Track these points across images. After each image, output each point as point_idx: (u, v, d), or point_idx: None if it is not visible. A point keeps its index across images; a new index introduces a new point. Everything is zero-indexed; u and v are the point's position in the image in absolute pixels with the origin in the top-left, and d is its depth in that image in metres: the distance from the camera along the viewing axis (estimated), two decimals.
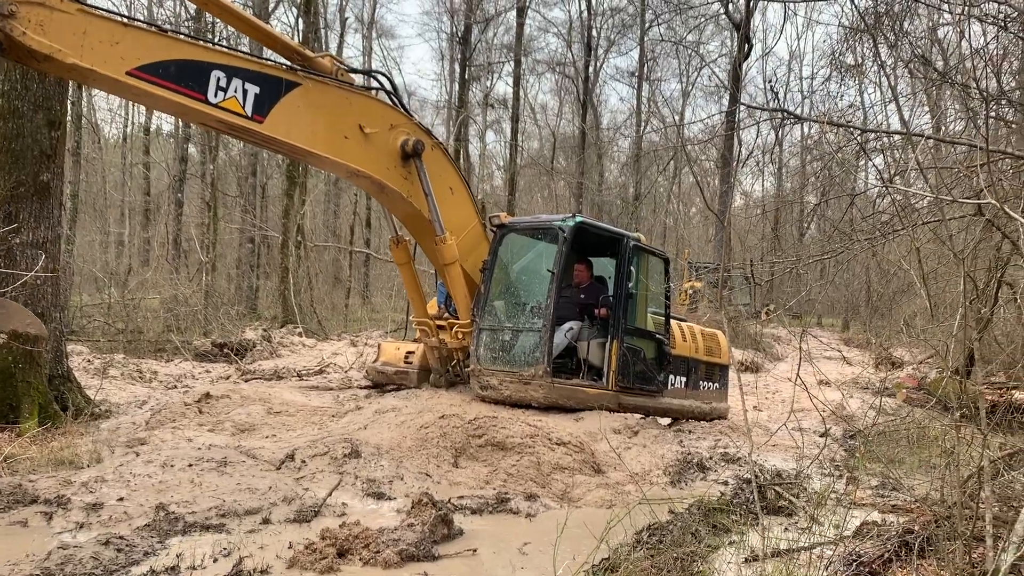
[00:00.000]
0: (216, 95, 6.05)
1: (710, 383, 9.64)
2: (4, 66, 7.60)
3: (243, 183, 26.02)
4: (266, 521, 4.89)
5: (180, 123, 25.54)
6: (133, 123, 36.42)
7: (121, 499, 5.08)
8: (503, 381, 7.69)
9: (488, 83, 37.93)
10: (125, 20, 5.70)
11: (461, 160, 30.04)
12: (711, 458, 7.27)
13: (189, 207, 28.53)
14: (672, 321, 9.30)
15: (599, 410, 7.88)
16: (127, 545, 4.38)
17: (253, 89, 6.27)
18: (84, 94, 26.31)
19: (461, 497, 5.63)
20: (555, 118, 43.30)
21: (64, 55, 5.25)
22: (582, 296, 8.70)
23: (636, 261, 8.49)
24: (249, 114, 6.27)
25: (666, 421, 9.12)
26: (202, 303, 16.72)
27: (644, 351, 8.54)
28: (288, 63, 6.84)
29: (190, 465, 5.72)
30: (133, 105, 34.34)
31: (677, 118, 38.88)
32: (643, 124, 38.02)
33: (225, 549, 4.36)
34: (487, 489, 5.90)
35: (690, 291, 27.91)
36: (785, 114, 7.82)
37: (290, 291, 17.32)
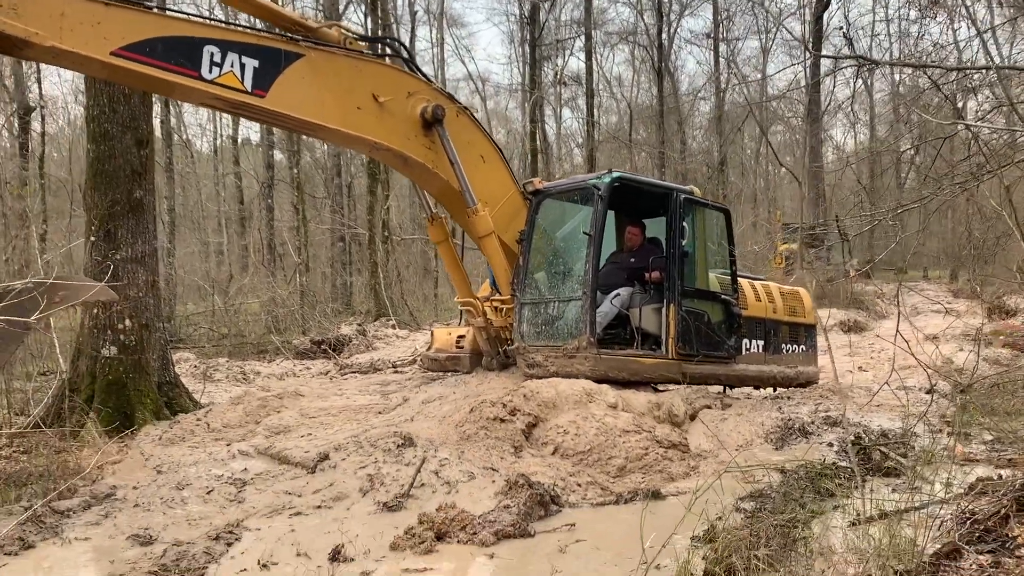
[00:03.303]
0: (211, 71, 5.79)
1: (794, 346, 8.98)
2: (93, 91, 7.98)
3: (329, 184, 26.69)
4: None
5: (265, 131, 26.33)
6: (221, 135, 37.79)
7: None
8: (548, 357, 7.23)
9: (560, 61, 37.65)
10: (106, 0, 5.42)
11: (537, 141, 29.94)
12: (813, 422, 7.06)
13: (280, 212, 29.45)
14: (745, 280, 8.69)
15: (661, 382, 7.44)
16: (235, 538, 4.57)
17: (251, 63, 5.99)
18: (172, 111, 27.45)
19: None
20: (632, 89, 42.66)
21: (42, 39, 5.08)
22: (632, 260, 8.16)
23: (691, 217, 7.90)
24: (249, 89, 6.00)
25: (762, 392, 8.85)
26: (298, 303, 17.29)
27: (708, 314, 7.93)
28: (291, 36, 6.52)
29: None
30: (220, 118, 35.65)
31: (759, 77, 37.68)
32: (723, 86, 37.03)
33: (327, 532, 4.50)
34: (564, 475, 5.59)
35: (785, 253, 27.09)
36: (863, 60, 7.40)
37: (380, 285, 17.69)
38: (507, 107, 44.63)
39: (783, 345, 8.78)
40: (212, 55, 5.77)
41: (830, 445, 6.36)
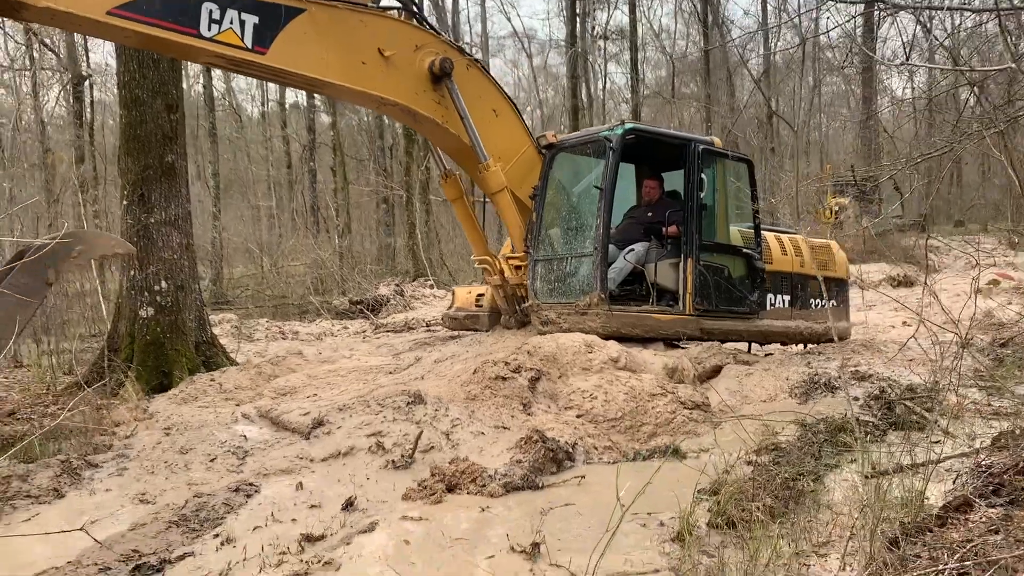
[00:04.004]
0: (210, 28, 5.70)
1: (824, 301, 8.63)
2: (123, 57, 8.12)
3: (372, 146, 26.82)
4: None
5: (308, 94, 26.48)
6: (269, 100, 38.17)
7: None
8: (561, 314, 7.16)
9: (605, 15, 36.92)
10: None
11: (580, 98, 29.55)
12: (840, 377, 6.94)
13: (323, 174, 29.71)
14: (770, 234, 8.45)
15: (679, 339, 7.29)
16: (254, 490, 4.72)
17: (251, 19, 5.89)
18: (218, 76, 27.72)
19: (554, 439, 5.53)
20: (678, 42, 41.69)
21: None
22: (649, 215, 8.00)
23: (711, 168, 7.69)
24: (250, 46, 5.91)
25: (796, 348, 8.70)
26: (338, 264, 17.54)
27: (729, 269, 7.76)
28: None
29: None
30: (266, 83, 35.92)
31: (812, 24, 36.46)
32: (773, 35, 35.92)
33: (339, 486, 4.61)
34: (583, 435, 5.52)
35: (835, 208, 26.42)
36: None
37: (419, 246, 17.84)
38: (546, 63, 44.02)
39: (811, 300, 8.53)
40: (211, 12, 5.70)
41: (855, 399, 6.25)
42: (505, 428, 5.37)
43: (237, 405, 6.65)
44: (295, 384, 7.08)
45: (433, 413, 5.37)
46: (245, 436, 5.57)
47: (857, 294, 9.52)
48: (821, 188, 28.07)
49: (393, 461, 4.86)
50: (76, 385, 7.49)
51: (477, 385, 5.90)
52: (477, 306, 8.58)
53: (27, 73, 24.45)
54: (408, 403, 5.50)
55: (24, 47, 23.98)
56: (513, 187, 7.58)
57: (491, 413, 5.55)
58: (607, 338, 6.72)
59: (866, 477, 4.26)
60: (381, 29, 6.77)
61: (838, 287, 8.92)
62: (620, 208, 8.26)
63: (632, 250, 7.64)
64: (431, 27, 7.35)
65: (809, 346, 8.62)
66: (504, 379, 5.87)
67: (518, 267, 7.77)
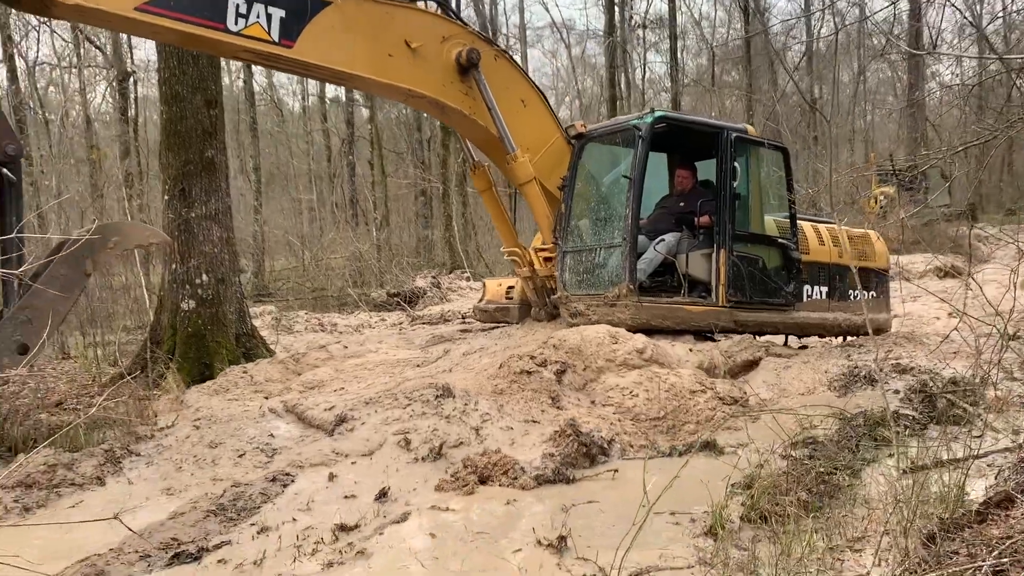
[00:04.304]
0: (236, 22, 5.73)
1: (863, 292, 8.52)
2: (163, 54, 8.27)
3: (410, 138, 26.97)
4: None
5: (346, 88, 26.66)
6: (309, 94, 38.51)
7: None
8: (590, 306, 7.09)
9: (643, 3, 36.59)
10: None
11: (618, 87, 29.33)
12: (881, 370, 6.82)
13: (362, 168, 29.93)
14: (807, 223, 8.30)
15: (712, 331, 7.16)
16: (290, 479, 4.80)
17: (278, 12, 5.91)
18: (258, 71, 28.02)
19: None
20: (718, 29, 41.13)
21: None
22: (682, 205, 7.87)
23: (744, 157, 7.54)
24: (276, 39, 5.94)
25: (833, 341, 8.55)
26: (376, 257, 17.69)
27: (763, 259, 7.63)
28: None
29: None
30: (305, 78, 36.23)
31: (856, 11, 35.72)
32: (816, 22, 35.25)
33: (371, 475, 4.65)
34: (619, 431, 5.47)
35: (880, 197, 25.88)
36: None
37: (455, 238, 17.92)
38: (584, 53, 43.74)
39: (850, 291, 8.36)
40: (238, 6, 5.73)
41: (896, 392, 6.14)
42: (535, 422, 5.35)
43: (266, 398, 6.74)
44: (322, 378, 7.11)
45: (463, 407, 5.36)
46: (272, 435, 5.62)
47: (900, 285, 9.30)
48: (866, 177, 27.53)
49: (422, 457, 4.87)
50: (120, 376, 7.67)
51: (504, 379, 5.88)
52: (507, 298, 8.55)
53: (74, 70, 25.00)
54: (437, 396, 5.50)
55: (71, 45, 24.51)
56: (542, 178, 7.54)
57: (520, 407, 5.52)
58: (636, 330, 6.64)
59: (903, 472, 4.19)
60: (408, 20, 6.77)
61: (878, 278, 8.73)
62: (652, 198, 8.18)
63: (663, 240, 7.54)
64: (458, 18, 7.33)
65: (849, 338, 8.48)
66: (529, 373, 5.83)
67: (548, 259, 7.74)
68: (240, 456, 5.20)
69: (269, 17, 5.88)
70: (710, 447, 5.09)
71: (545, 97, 7.92)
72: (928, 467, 4.06)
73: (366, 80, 6.70)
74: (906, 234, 18.01)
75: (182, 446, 5.41)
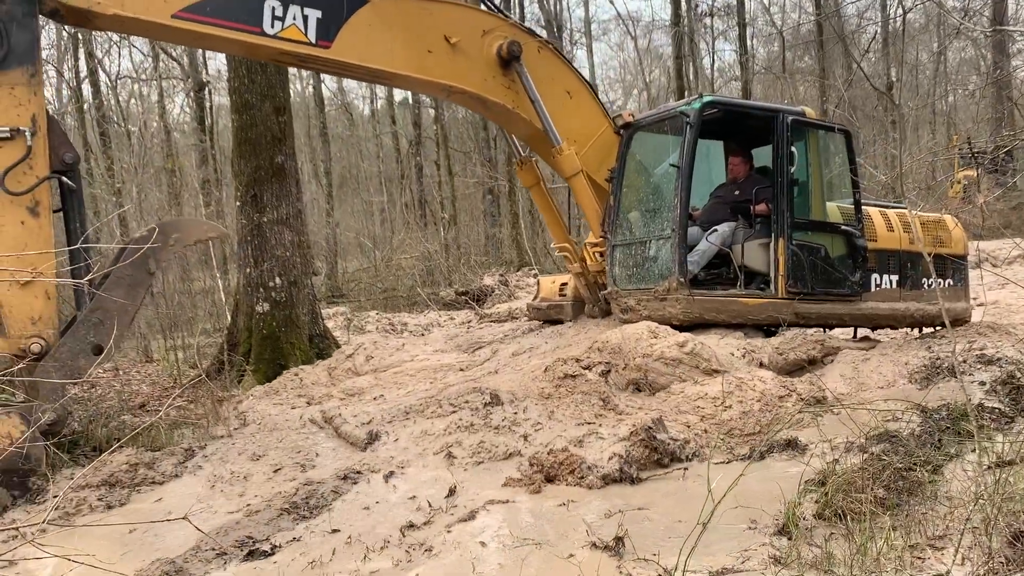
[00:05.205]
0: (273, 26, 5.72)
1: (938, 280, 8.10)
2: (233, 64, 8.50)
3: (476, 137, 27.11)
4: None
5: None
6: (378, 98, 39.08)
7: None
8: (640, 301, 6.84)
9: None
10: None
11: (686, 78, 28.89)
12: (964, 361, 6.54)
13: (431, 168, 30.23)
14: (875, 209, 7.87)
15: (772, 324, 6.84)
16: (362, 478, 4.87)
17: (314, 14, 5.87)
18: (322, 79, 28.52)
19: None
20: (789, 14, 40.12)
21: (104, 7, 5.14)
22: (736, 193, 7.54)
23: (803, 141, 7.21)
24: (314, 41, 5.89)
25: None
26: (444, 256, 17.86)
27: (826, 248, 7.25)
28: None
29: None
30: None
31: None
32: (891, 2, 34.07)
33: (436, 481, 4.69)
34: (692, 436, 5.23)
35: (963, 181, 24.87)
36: None
37: (522, 236, 17.93)
38: (650, 44, 43.20)
39: (923, 279, 7.92)
40: (273, 9, 5.72)
41: (981, 384, 5.88)
42: (588, 424, 5.27)
43: (308, 404, 6.81)
44: (362, 386, 7.10)
45: (512, 416, 5.30)
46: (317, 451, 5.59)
47: (981, 273, 8.88)
48: (948, 160, 26.50)
49: (480, 462, 4.86)
50: (199, 378, 7.92)
51: (549, 383, 5.75)
52: (561, 295, 8.37)
53: (153, 83, 25.94)
54: (485, 404, 5.41)
55: (150, 58, 25.42)
56: (591, 170, 7.39)
57: (571, 412, 5.40)
58: (688, 325, 6.43)
59: (987, 467, 4.01)
60: (446, 15, 6.65)
61: (954, 265, 8.22)
62: (708, 187, 7.96)
63: (716, 231, 7.28)
64: (498, 10, 7.22)
65: (926, 329, 8.15)
66: (574, 377, 5.70)
67: (600, 254, 7.58)
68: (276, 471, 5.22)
69: (305, 19, 5.85)
70: (792, 446, 4.90)
71: (593, 88, 7.76)
72: (1015, 462, 3.89)
73: (406, 78, 6.62)
74: (993, 218, 17.28)
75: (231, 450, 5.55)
